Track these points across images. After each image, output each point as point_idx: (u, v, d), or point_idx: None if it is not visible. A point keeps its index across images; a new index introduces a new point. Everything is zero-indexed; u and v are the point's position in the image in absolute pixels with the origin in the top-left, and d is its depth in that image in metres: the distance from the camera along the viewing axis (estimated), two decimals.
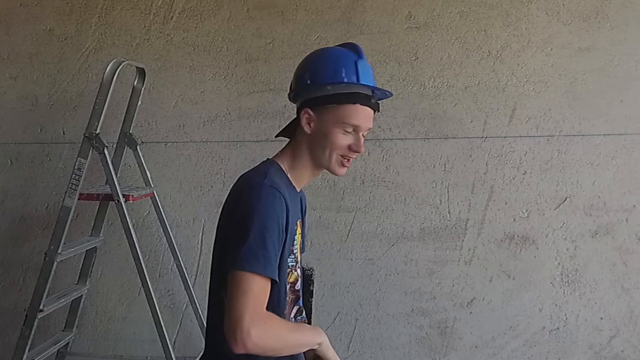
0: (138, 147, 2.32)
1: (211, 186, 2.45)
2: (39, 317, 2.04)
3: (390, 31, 2.38)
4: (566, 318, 2.38)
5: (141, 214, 2.48)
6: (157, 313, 2.05)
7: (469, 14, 2.36)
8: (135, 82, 2.32)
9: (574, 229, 2.36)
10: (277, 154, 1.31)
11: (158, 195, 2.35)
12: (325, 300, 2.44)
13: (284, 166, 1.28)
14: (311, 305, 1.36)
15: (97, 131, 2.01)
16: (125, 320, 2.52)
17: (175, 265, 2.39)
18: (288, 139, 1.32)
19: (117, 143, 2.34)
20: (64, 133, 2.51)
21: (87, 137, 2.02)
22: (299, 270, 1.32)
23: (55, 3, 2.49)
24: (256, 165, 1.29)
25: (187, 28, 2.45)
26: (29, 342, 2.04)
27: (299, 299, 1.35)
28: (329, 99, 1.22)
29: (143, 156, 2.34)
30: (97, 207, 2.36)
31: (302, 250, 1.35)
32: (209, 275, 1.30)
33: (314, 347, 1.21)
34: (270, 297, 1.13)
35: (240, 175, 1.29)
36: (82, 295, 2.36)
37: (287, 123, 1.33)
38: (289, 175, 1.27)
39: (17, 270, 2.55)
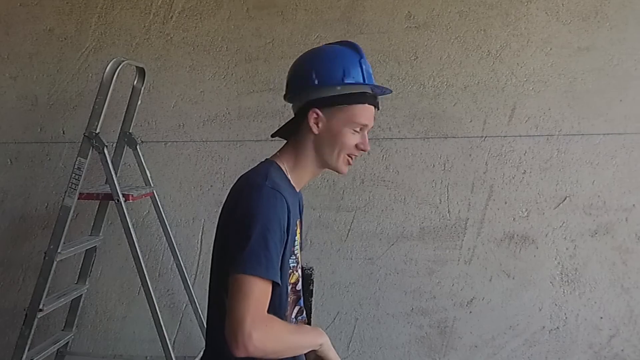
0: (138, 147, 2.32)
1: (211, 186, 2.45)
2: (39, 316, 2.04)
3: (389, 31, 2.38)
4: (566, 317, 2.38)
5: (141, 213, 2.48)
6: (156, 312, 2.05)
7: (468, 13, 2.36)
8: (135, 82, 2.32)
9: (574, 229, 2.36)
10: (276, 154, 1.30)
11: (158, 195, 2.35)
12: (325, 299, 2.44)
13: (284, 166, 1.27)
14: (311, 304, 1.36)
15: (97, 131, 2.02)
16: (124, 320, 2.52)
17: (174, 264, 2.39)
18: (285, 139, 1.31)
19: (117, 142, 2.34)
20: (63, 132, 2.51)
21: (87, 137, 2.02)
22: (299, 271, 1.32)
23: (55, 3, 2.49)
24: (255, 165, 1.29)
25: (186, 28, 2.45)
26: (29, 342, 2.04)
27: (300, 299, 1.35)
28: (340, 100, 1.23)
29: (143, 156, 2.34)
30: (97, 207, 2.36)
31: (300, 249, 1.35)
32: (209, 275, 1.30)
33: (316, 349, 1.21)
34: (272, 299, 1.13)
35: (240, 175, 1.29)
36: (81, 295, 2.36)
37: (284, 123, 1.31)
38: (289, 176, 1.27)
39: (16, 269, 2.55)
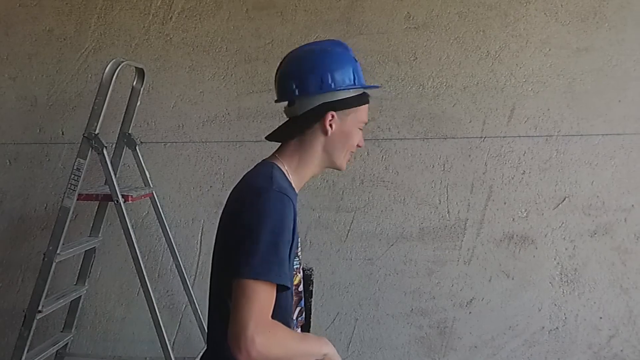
0: (137, 147, 2.32)
1: (210, 186, 2.45)
2: (38, 317, 2.03)
3: (389, 31, 2.39)
4: (565, 318, 2.38)
5: (140, 214, 2.48)
6: (156, 313, 2.05)
7: (467, 14, 2.37)
8: (135, 83, 2.32)
9: (573, 229, 2.37)
10: (275, 156, 1.28)
11: (157, 196, 2.35)
12: (325, 300, 2.44)
13: (285, 168, 1.26)
14: (311, 305, 1.35)
15: (96, 131, 2.01)
16: (124, 321, 2.52)
17: (174, 265, 2.39)
18: (280, 141, 1.30)
19: (116, 143, 2.34)
20: (63, 133, 2.51)
21: (86, 138, 2.02)
22: (301, 272, 1.32)
23: (55, 3, 2.49)
24: (254, 167, 1.28)
25: (186, 28, 2.45)
26: (28, 343, 2.03)
27: (301, 300, 1.35)
28: (353, 102, 1.27)
29: (142, 156, 2.34)
30: (96, 208, 2.36)
31: None
32: (209, 278, 1.30)
33: (320, 359, 1.20)
34: (279, 303, 1.13)
35: (241, 177, 1.28)
36: (81, 296, 2.36)
37: (284, 125, 1.29)
38: (290, 177, 1.27)
39: (15, 270, 2.54)
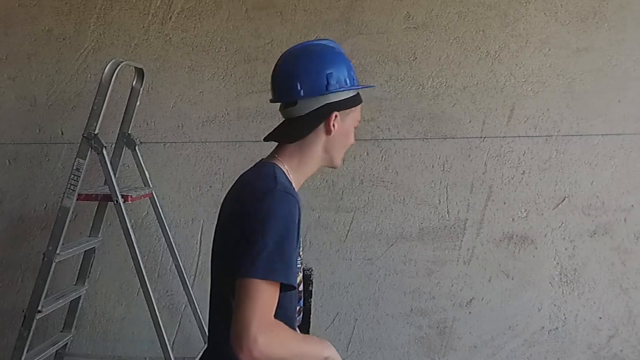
0: (137, 148, 2.32)
1: (210, 186, 2.45)
2: (38, 317, 2.03)
3: (388, 31, 2.38)
4: (565, 318, 2.38)
5: (140, 214, 2.48)
6: (155, 313, 2.05)
7: (467, 14, 2.36)
8: (134, 83, 2.32)
9: (573, 229, 2.36)
10: (273, 156, 1.28)
11: (157, 196, 2.35)
12: (325, 300, 2.44)
13: (285, 168, 1.26)
14: (310, 305, 1.35)
15: (96, 131, 2.01)
16: (123, 321, 2.52)
17: (174, 265, 2.39)
18: (277, 141, 1.30)
19: (115, 143, 2.34)
20: (62, 133, 2.51)
21: (86, 138, 2.02)
22: (301, 272, 1.32)
23: (54, 3, 2.49)
24: (254, 168, 1.28)
25: (185, 28, 2.45)
26: (28, 343, 2.03)
27: (301, 299, 1.35)
28: (353, 102, 1.29)
29: (142, 156, 2.34)
30: (96, 208, 2.36)
31: None
32: (210, 278, 1.29)
33: None
34: (283, 303, 1.13)
35: (238, 178, 1.28)
36: (80, 296, 2.36)
37: (284, 126, 1.28)
38: (290, 177, 1.27)
39: (15, 270, 2.54)
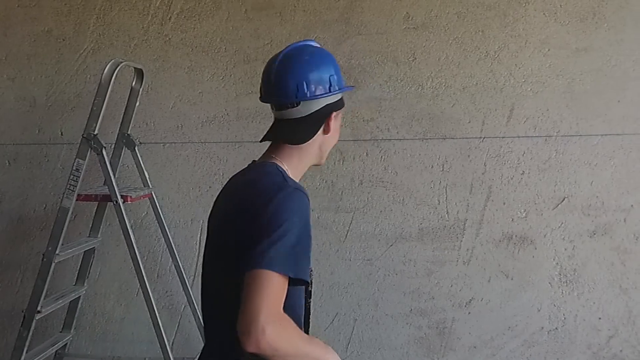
0: (136, 148, 2.32)
1: (209, 187, 2.45)
2: (37, 318, 2.04)
3: (388, 32, 2.39)
4: (564, 318, 2.38)
5: (139, 214, 2.48)
6: (155, 314, 2.05)
7: (466, 14, 2.36)
8: (134, 83, 2.32)
9: (572, 229, 2.36)
10: (271, 155, 1.28)
11: (156, 196, 2.35)
12: (324, 300, 2.44)
13: (285, 167, 1.27)
14: (310, 305, 1.36)
15: (95, 132, 2.02)
16: (123, 321, 2.52)
17: (173, 265, 2.39)
18: (272, 141, 1.31)
19: (115, 144, 2.34)
20: (62, 134, 2.51)
21: (85, 138, 2.02)
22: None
23: (54, 4, 2.49)
24: (254, 167, 1.28)
25: (185, 29, 2.45)
26: (27, 344, 2.03)
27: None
28: (342, 101, 1.34)
29: (141, 157, 2.34)
30: (95, 208, 2.36)
31: None
32: (203, 280, 1.29)
33: None
34: (293, 300, 1.13)
35: (240, 178, 1.28)
36: (80, 296, 2.36)
37: (283, 126, 1.29)
38: (290, 176, 1.27)
39: (15, 271, 2.54)
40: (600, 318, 2.37)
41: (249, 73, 2.43)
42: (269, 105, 1.36)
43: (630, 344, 2.37)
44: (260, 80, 1.34)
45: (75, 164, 2.02)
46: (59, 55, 2.50)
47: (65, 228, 2.02)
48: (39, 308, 2.02)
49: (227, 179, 1.35)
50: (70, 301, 2.32)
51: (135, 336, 2.51)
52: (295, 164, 1.28)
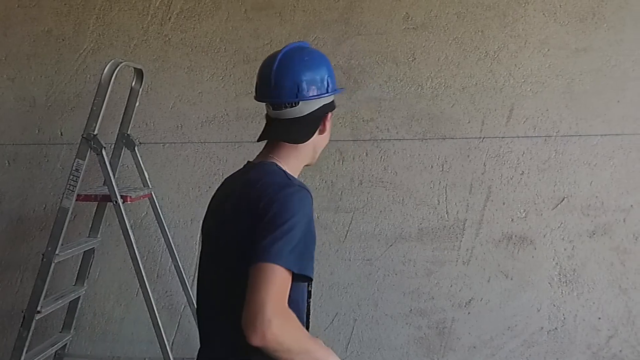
0: (136, 148, 2.32)
1: (209, 187, 2.45)
2: (37, 318, 2.04)
3: (387, 32, 2.39)
4: (564, 318, 2.38)
5: (139, 214, 2.48)
6: (155, 314, 2.05)
7: (466, 15, 2.37)
8: (133, 83, 2.32)
9: (572, 229, 2.36)
10: (269, 155, 1.29)
11: (156, 196, 2.35)
12: (324, 300, 2.44)
13: (284, 166, 1.28)
14: (309, 305, 1.36)
15: (95, 132, 2.02)
16: (123, 322, 2.52)
17: (173, 266, 2.39)
18: (266, 140, 1.33)
19: (115, 144, 2.34)
20: (61, 134, 2.51)
21: (85, 138, 2.02)
22: None
23: (53, 4, 2.49)
24: (254, 167, 1.28)
25: (185, 29, 2.46)
26: (27, 344, 2.03)
27: None
28: (335, 104, 1.36)
29: (141, 157, 2.34)
30: (95, 208, 2.36)
31: None
32: (201, 281, 1.29)
33: None
34: (296, 297, 1.14)
35: (239, 178, 1.29)
36: (79, 297, 2.36)
37: (282, 126, 1.29)
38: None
39: (14, 271, 2.54)
40: (599, 318, 2.37)
41: (248, 73, 2.43)
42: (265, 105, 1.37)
43: (630, 344, 2.37)
44: (256, 80, 1.34)
45: (75, 164, 2.02)
46: (59, 56, 2.50)
47: (65, 228, 2.02)
48: (38, 308, 2.02)
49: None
50: (70, 301, 2.32)
51: (135, 336, 2.51)
52: (293, 163, 1.29)
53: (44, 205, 2.52)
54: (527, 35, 2.35)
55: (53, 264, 2.03)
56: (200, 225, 1.37)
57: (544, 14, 2.35)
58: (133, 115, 2.33)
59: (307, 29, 2.40)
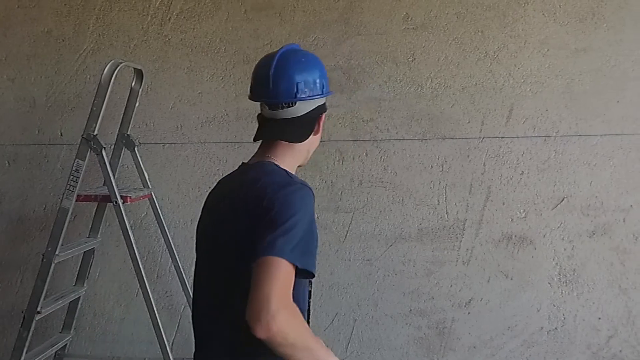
0: (136, 148, 2.32)
1: (209, 187, 2.40)
2: (37, 318, 2.04)
3: (387, 32, 2.39)
4: (564, 318, 2.38)
5: (139, 215, 2.48)
6: (155, 314, 2.05)
7: (465, 15, 2.37)
8: (133, 84, 2.32)
9: (572, 229, 2.37)
10: (265, 155, 1.30)
11: (156, 197, 2.35)
12: (324, 301, 2.44)
13: (282, 166, 1.28)
14: (309, 306, 1.36)
15: (95, 132, 2.02)
16: (123, 322, 2.52)
17: (173, 266, 2.39)
18: (261, 140, 1.34)
19: (114, 144, 2.34)
20: (61, 134, 2.51)
21: (85, 139, 2.02)
22: None
23: (53, 4, 2.49)
24: (252, 167, 1.29)
25: (184, 29, 2.46)
26: (27, 344, 2.03)
27: None
28: (326, 105, 1.37)
29: (141, 157, 2.34)
30: (95, 209, 2.36)
31: None
32: (197, 281, 1.29)
33: None
34: (298, 295, 1.15)
35: (236, 178, 1.29)
36: (79, 297, 2.36)
37: (280, 126, 1.30)
38: None
39: (14, 271, 2.54)
40: (599, 318, 2.37)
41: (248, 73, 2.37)
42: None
43: (630, 344, 2.37)
44: (251, 80, 1.35)
45: (74, 165, 2.02)
46: (59, 56, 2.50)
47: (64, 228, 2.03)
48: (38, 309, 2.02)
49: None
50: (70, 302, 2.33)
51: (135, 336, 2.51)
52: (289, 163, 1.30)
53: (44, 206, 2.52)
54: (527, 36, 2.35)
55: (53, 265, 2.03)
56: (196, 227, 1.37)
57: (543, 14, 2.35)
58: (133, 116, 2.33)
59: (307, 29, 2.40)
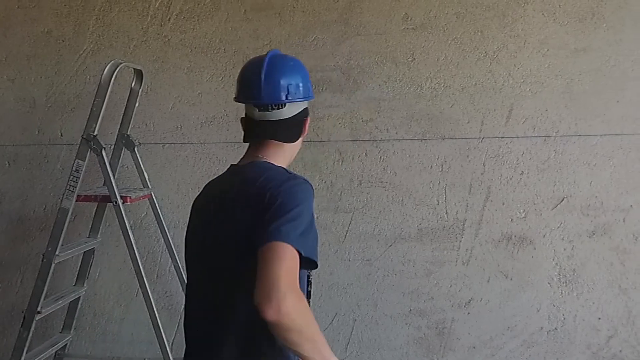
0: (136, 149, 2.32)
1: None
2: (37, 318, 2.04)
3: (387, 32, 2.39)
4: (564, 318, 2.38)
5: (139, 215, 2.48)
6: (155, 314, 2.05)
7: (465, 15, 2.37)
8: (133, 84, 2.33)
9: (571, 229, 2.36)
10: (259, 155, 1.31)
11: (156, 197, 2.36)
12: (323, 301, 2.44)
13: (276, 164, 1.30)
14: (309, 306, 1.37)
15: (95, 133, 2.02)
16: (123, 322, 2.52)
17: (173, 266, 2.39)
18: (252, 141, 1.36)
19: (114, 144, 2.35)
20: (61, 135, 2.51)
21: (85, 139, 2.03)
22: None
23: (53, 5, 2.49)
24: (248, 166, 1.30)
25: (184, 30, 2.46)
26: (27, 344, 2.04)
27: None
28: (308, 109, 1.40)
29: (141, 157, 2.34)
30: (95, 209, 2.37)
31: None
32: (192, 281, 1.29)
33: None
34: (300, 283, 1.14)
35: (230, 178, 1.31)
36: (79, 297, 2.36)
37: (276, 127, 1.31)
38: None
39: (14, 271, 2.55)
40: (599, 318, 2.37)
41: None
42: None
43: (630, 344, 2.37)
44: (238, 83, 1.36)
45: (74, 165, 2.03)
46: (59, 56, 2.50)
47: (65, 229, 2.03)
48: (38, 309, 2.03)
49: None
50: (70, 302, 2.33)
51: (135, 336, 2.51)
52: (281, 162, 1.33)
53: (44, 206, 2.52)
54: (527, 36, 2.35)
55: (53, 265, 2.03)
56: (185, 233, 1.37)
57: (543, 14, 2.35)
58: (133, 116, 2.33)
59: (306, 30, 2.40)
